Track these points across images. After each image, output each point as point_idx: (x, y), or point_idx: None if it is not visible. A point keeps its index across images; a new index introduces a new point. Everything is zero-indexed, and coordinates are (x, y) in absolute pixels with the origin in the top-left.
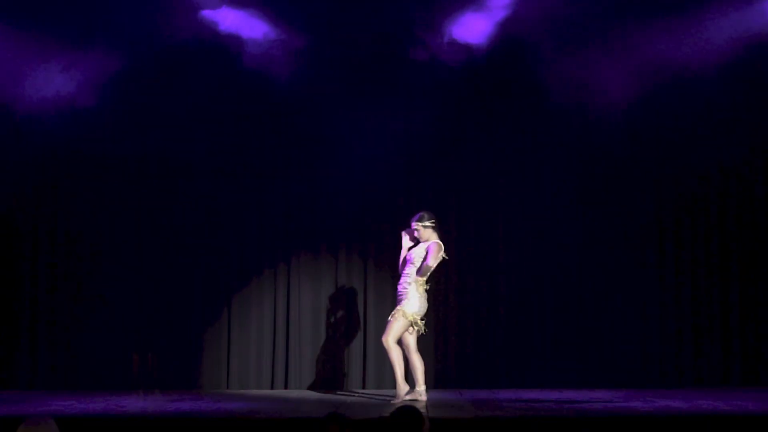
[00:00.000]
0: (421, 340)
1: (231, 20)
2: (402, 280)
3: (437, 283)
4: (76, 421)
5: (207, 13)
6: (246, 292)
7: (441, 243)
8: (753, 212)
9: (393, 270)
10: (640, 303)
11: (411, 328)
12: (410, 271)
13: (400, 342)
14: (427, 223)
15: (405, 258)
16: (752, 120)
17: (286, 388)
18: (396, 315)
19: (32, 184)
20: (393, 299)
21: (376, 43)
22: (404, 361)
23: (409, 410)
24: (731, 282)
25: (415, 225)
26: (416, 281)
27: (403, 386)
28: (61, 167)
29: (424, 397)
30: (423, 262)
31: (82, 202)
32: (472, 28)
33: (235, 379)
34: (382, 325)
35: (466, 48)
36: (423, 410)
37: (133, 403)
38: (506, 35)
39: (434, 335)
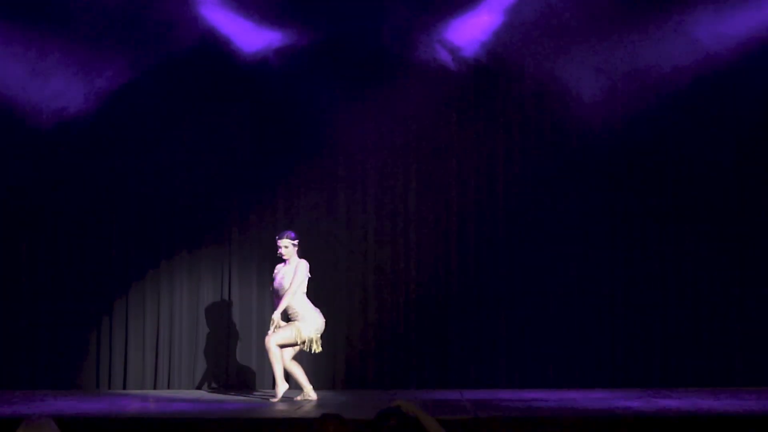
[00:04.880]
0: (421, 341)
1: (230, 23)
2: (285, 300)
3: (437, 282)
4: (76, 421)
5: (206, 17)
6: (248, 293)
7: (305, 261)
8: (751, 210)
9: (394, 274)
10: (640, 302)
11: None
12: (291, 290)
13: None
14: (294, 242)
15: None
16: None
17: None
18: (291, 328)
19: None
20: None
21: (372, 43)
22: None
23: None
24: (731, 281)
25: (281, 242)
26: (303, 300)
27: (282, 385)
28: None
29: (314, 396)
30: (294, 278)
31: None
32: (466, 30)
33: (235, 379)
34: (386, 326)
35: (460, 49)
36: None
37: (133, 403)
38: (503, 35)
39: (434, 335)
